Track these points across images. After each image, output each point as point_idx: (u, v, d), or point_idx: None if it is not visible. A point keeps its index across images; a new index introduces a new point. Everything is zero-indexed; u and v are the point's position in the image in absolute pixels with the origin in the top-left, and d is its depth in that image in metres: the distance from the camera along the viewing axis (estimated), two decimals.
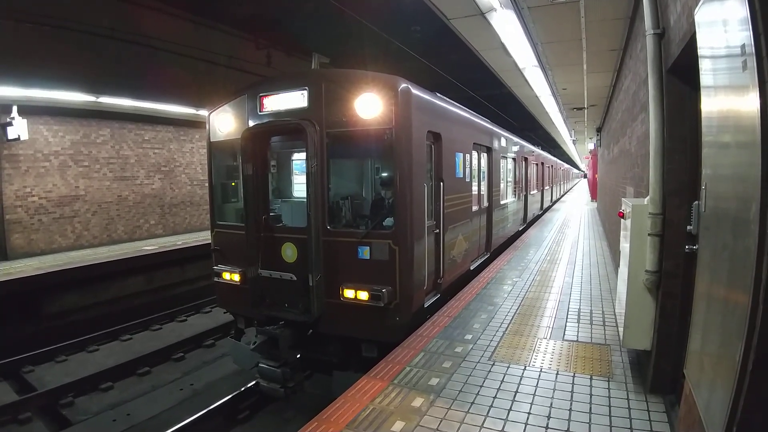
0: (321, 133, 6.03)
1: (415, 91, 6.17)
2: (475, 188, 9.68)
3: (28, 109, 11.85)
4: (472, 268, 9.39)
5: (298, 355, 6.45)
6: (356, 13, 9.35)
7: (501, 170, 12.47)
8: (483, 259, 10.52)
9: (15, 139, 11.77)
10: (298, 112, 6.25)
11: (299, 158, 7.95)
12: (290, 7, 12.00)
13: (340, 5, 8.83)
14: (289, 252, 6.46)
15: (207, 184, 8.12)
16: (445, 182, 7.24)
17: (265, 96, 6.59)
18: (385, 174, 6.87)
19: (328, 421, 3.85)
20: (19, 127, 11.65)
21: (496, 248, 11.66)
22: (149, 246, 13.92)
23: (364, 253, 5.95)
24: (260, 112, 6.64)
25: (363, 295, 5.83)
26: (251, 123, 6.66)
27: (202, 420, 6.53)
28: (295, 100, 6.31)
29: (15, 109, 11.52)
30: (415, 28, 10.73)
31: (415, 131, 5.99)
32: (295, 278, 6.23)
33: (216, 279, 7.16)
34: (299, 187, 7.99)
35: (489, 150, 10.88)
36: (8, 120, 11.54)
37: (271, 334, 6.12)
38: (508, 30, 7.50)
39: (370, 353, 6.01)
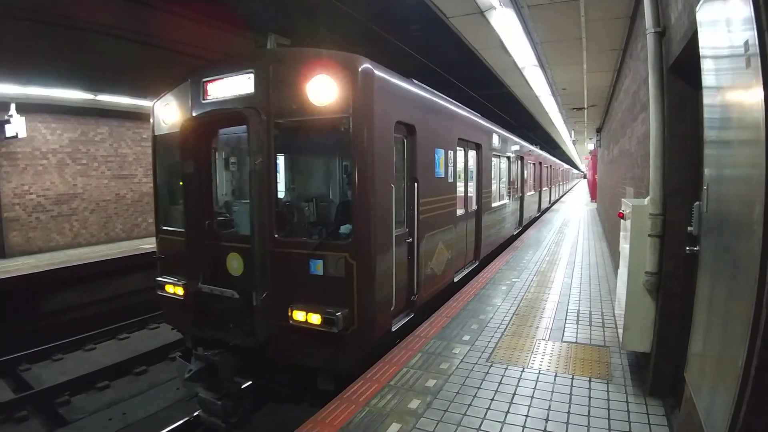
0: (268, 123, 5.17)
1: (380, 74, 5.28)
2: (460, 190, 8.85)
3: (26, 107, 11.81)
4: (456, 279, 8.44)
5: (245, 385, 5.66)
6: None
7: (493, 170, 11.53)
8: (471, 269, 9.60)
9: (13, 137, 11.76)
10: (244, 99, 5.41)
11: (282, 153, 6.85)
12: None
13: None
14: (235, 264, 5.56)
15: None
16: (421, 183, 6.28)
17: (210, 81, 5.78)
18: (342, 172, 5.99)
19: (323, 423, 3.80)
20: (17, 125, 11.63)
21: (486, 255, 10.81)
22: (147, 244, 13.86)
23: (317, 267, 5.05)
24: (204, 100, 5.82)
25: (315, 319, 4.90)
26: (195, 113, 5.85)
27: (198, 420, 6.46)
28: (241, 85, 5.49)
29: (13, 106, 11.49)
30: (413, 27, 10.57)
31: (378, 121, 5.05)
32: (237, 296, 5.26)
33: (159, 292, 6.29)
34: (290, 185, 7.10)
35: (478, 147, 9.93)
36: (6, 117, 11.52)
37: (209, 361, 5.30)
38: (508, 29, 7.45)
39: (326, 386, 5.18)
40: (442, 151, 7.27)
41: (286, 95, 5.15)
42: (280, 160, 6.51)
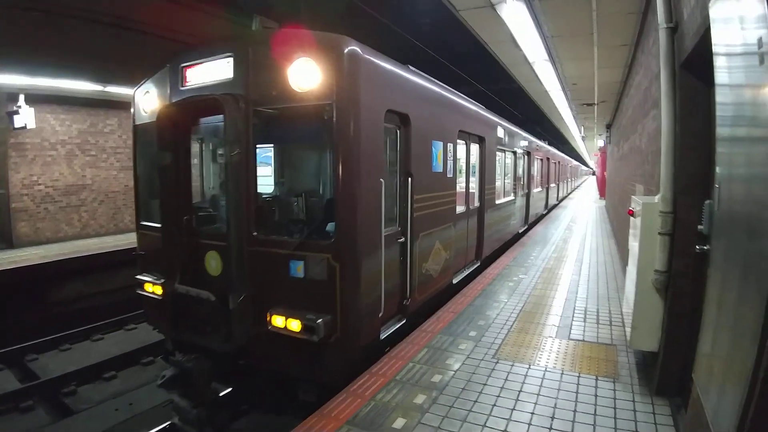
0: (246, 111, 4.80)
1: (369, 57, 4.84)
2: (461, 185, 8.42)
3: (36, 98, 11.85)
4: (455, 281, 8.00)
5: (224, 392, 5.27)
6: None
7: (498, 165, 11.01)
8: (472, 269, 9.15)
9: (22, 128, 11.78)
10: (224, 85, 5.04)
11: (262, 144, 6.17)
12: None
13: None
14: (214, 263, 5.20)
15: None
16: (415, 177, 5.85)
17: (188, 67, 5.42)
18: (324, 165, 5.48)
19: (329, 417, 3.81)
20: (26, 116, 11.65)
21: (489, 255, 10.31)
22: None
23: (298, 269, 4.66)
24: (182, 86, 5.47)
25: (294, 325, 4.50)
26: (174, 101, 5.51)
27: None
28: (220, 70, 5.11)
29: (22, 97, 11.52)
30: (424, 21, 10.50)
31: (366, 109, 4.64)
32: (212, 298, 4.85)
33: (138, 291, 5.96)
34: (267, 180, 6.43)
35: (481, 140, 9.37)
36: (15, 108, 11.55)
37: (183, 367, 5.02)
38: (518, 22, 7.40)
39: (308, 397, 4.84)
40: (440, 144, 6.80)
41: (267, 80, 4.76)
42: (267, 151, 6.21)
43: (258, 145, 5.05)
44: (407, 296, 5.87)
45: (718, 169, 2.62)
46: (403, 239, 5.76)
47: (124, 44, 9.29)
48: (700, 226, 3.44)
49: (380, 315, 5.10)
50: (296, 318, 4.49)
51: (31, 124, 11.87)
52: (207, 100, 4.94)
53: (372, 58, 4.92)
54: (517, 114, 21.28)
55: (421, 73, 6.50)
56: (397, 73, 5.62)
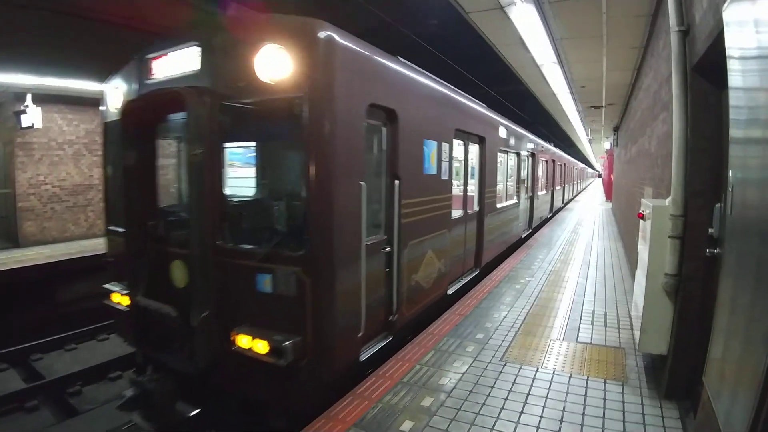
0: (211, 105, 4.24)
1: (348, 43, 4.27)
2: (458, 188, 7.96)
3: (43, 98, 11.90)
4: (450, 291, 7.38)
5: (192, 413, 4.70)
6: None
7: (500, 167, 10.51)
8: (470, 278, 8.58)
9: (29, 127, 11.82)
10: (190, 77, 4.54)
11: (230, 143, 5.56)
12: None
13: None
14: (179, 274, 4.65)
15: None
16: (404, 180, 5.31)
17: (154, 58, 4.95)
18: (297, 166, 4.55)
19: (336, 419, 3.81)
20: (33, 115, 11.69)
21: (489, 261, 9.76)
22: None
23: (265, 283, 4.13)
24: (148, 79, 5.00)
25: (260, 347, 3.99)
26: (138, 96, 5.09)
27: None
28: (186, 60, 4.60)
29: (29, 97, 11.55)
30: (432, 23, 10.46)
31: (343, 102, 4.12)
32: (173, 313, 4.36)
33: (104, 301, 5.52)
34: (232, 182, 5.74)
35: (482, 141, 8.80)
36: (22, 108, 11.58)
37: (144, 387, 4.73)
38: (528, 24, 7.40)
39: (278, 423, 4.41)
40: (433, 144, 6.23)
41: (234, 71, 4.25)
42: (236, 150, 5.74)
43: (226, 144, 4.66)
44: (394, 311, 5.32)
45: (731, 173, 2.60)
46: (389, 248, 5.22)
47: (126, 41, 9.34)
48: (711, 230, 3.42)
49: (360, 334, 4.54)
50: (263, 339, 3.99)
51: (39, 124, 11.92)
52: (169, 94, 4.45)
53: (351, 45, 4.36)
54: (524, 116, 21.22)
55: (413, 65, 5.97)
56: (381, 64, 5.03)
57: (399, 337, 5.47)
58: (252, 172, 5.75)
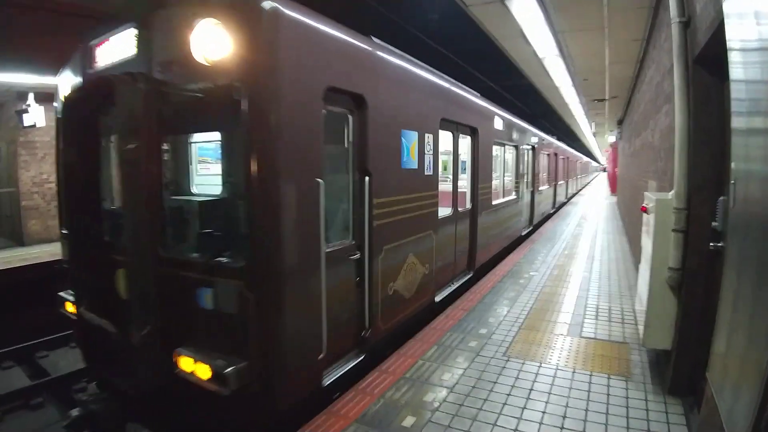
0: (146, 94, 3.69)
1: (296, 15, 3.66)
2: (445, 185, 7.25)
3: (46, 97, 11.84)
4: (438, 299, 6.72)
5: None
6: None
7: (496, 161, 9.89)
8: (461, 282, 7.89)
9: (31, 126, 11.85)
10: (128, 63, 4.01)
11: (198, 136, 5.27)
12: None
13: None
14: (123, 284, 4.02)
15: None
16: (375, 176, 4.69)
17: (98, 45, 4.43)
18: (236, 161, 4.02)
19: (337, 415, 3.80)
20: (35, 114, 11.70)
21: (485, 263, 9.17)
22: None
23: (207, 299, 3.60)
24: (91, 69, 4.51)
25: (203, 371, 3.47)
26: (77, 87, 4.68)
27: None
28: (125, 45, 4.08)
29: (31, 96, 11.56)
30: (432, 17, 10.43)
31: (292, 85, 3.57)
32: (112, 329, 3.90)
33: (60, 309, 5.05)
34: (202, 180, 5.29)
35: (474, 132, 8.13)
36: (24, 107, 11.60)
37: (88, 409, 4.35)
38: (529, 17, 7.35)
39: None
40: (413, 135, 5.58)
41: (171, 54, 3.74)
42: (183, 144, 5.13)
43: (165, 137, 4.09)
44: (367, 326, 4.76)
45: (733, 165, 2.58)
46: (358, 255, 4.63)
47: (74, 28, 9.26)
48: (714, 223, 3.39)
49: (321, 356, 3.94)
50: (204, 363, 3.46)
51: (41, 123, 11.91)
52: (103, 83, 3.96)
53: (304, 19, 3.77)
54: (527, 110, 21.15)
55: (389, 46, 5.33)
56: (344, 41, 4.35)
57: (377, 350, 4.97)
58: (193, 169, 5.24)
